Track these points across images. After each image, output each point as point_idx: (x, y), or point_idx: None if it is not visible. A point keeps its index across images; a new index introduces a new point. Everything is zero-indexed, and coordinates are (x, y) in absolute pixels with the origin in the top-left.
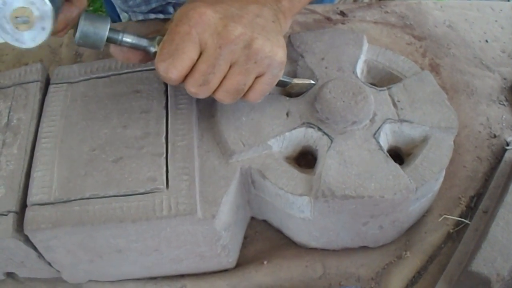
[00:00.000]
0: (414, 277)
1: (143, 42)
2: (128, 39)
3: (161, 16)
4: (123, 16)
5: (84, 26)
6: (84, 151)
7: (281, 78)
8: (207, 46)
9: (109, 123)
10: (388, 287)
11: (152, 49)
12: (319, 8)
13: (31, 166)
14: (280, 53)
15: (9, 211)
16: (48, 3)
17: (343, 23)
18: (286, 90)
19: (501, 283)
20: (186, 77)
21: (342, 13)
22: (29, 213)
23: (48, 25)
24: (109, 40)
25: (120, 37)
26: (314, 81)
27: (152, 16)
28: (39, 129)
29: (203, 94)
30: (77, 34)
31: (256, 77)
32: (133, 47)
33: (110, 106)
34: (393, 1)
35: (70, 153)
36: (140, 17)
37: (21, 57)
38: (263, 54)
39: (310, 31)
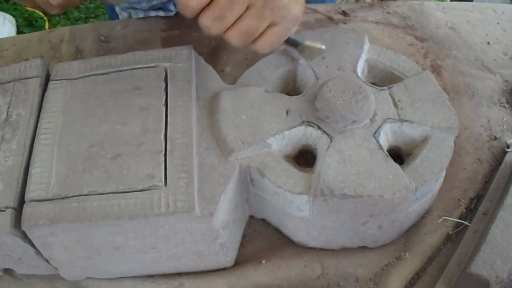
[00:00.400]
0: (413, 278)
1: None
2: None
3: (161, 13)
4: (122, 16)
5: None
6: (83, 147)
7: (293, 37)
8: None
9: (108, 119)
10: None
11: None
12: (321, 7)
13: (29, 162)
14: (296, 7)
15: (7, 207)
16: None
17: (344, 23)
18: (284, 88)
19: (500, 285)
20: (202, 10)
21: (344, 13)
22: (27, 209)
23: None
24: None
25: None
26: (314, 81)
27: (153, 13)
28: (38, 125)
29: (215, 29)
30: None
31: (269, 26)
32: None
33: (109, 103)
34: (395, 2)
35: (69, 149)
36: (141, 15)
37: (21, 52)
38: (280, 4)
39: (311, 30)
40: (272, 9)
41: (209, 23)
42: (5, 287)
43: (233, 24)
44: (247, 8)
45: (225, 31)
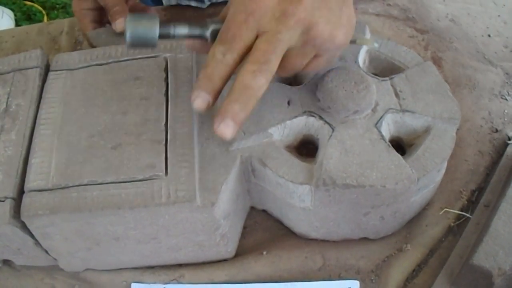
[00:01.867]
0: (414, 270)
1: (196, 31)
2: (180, 31)
3: (193, 3)
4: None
5: (133, 28)
6: (83, 137)
7: None
8: (266, 31)
9: (109, 109)
10: (388, 280)
11: (207, 33)
12: None
13: (29, 152)
14: (339, 36)
15: (6, 197)
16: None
17: None
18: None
19: (503, 277)
20: (244, 59)
21: None
22: (26, 199)
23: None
24: (162, 36)
25: (172, 31)
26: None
27: (185, 2)
28: (38, 115)
29: (263, 73)
30: (127, 38)
31: (314, 56)
32: (187, 37)
33: (109, 93)
34: None
35: (69, 139)
36: (173, 2)
37: (20, 44)
38: (321, 39)
39: None
40: (314, 46)
41: (256, 67)
42: (4, 279)
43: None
44: (288, 49)
45: None
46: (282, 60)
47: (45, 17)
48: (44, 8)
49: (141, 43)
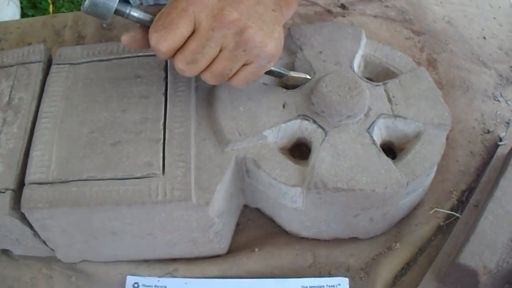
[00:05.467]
0: (403, 268)
1: (148, 17)
2: (135, 13)
3: None
4: (133, 0)
5: None
6: (83, 133)
7: (278, 70)
8: (201, 26)
9: (109, 106)
10: (377, 278)
11: None
12: (320, 0)
13: (30, 145)
14: (270, 45)
15: (7, 189)
16: None
17: (343, 16)
18: (282, 81)
19: (488, 275)
20: (176, 53)
21: (343, 6)
22: (26, 191)
23: None
24: (117, 12)
25: (128, 11)
26: (311, 74)
27: (163, 1)
28: (40, 109)
29: (189, 72)
30: (86, 2)
31: (243, 65)
32: (138, 21)
33: (110, 89)
34: None
35: (70, 134)
36: (151, 2)
37: (25, 36)
38: (252, 44)
39: (310, 24)
40: (245, 50)
41: (182, 67)
42: (2, 268)
43: (207, 67)
44: (220, 50)
45: (200, 73)
46: (211, 62)
47: (51, 6)
48: None
49: (96, 12)
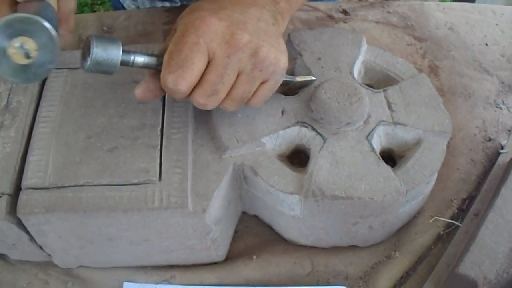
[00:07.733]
0: (402, 277)
1: (154, 61)
2: (139, 59)
3: (167, 4)
4: (127, 4)
5: (97, 54)
6: (81, 138)
7: (286, 79)
8: (215, 56)
9: (107, 112)
10: (376, 287)
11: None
12: (322, 5)
13: (27, 150)
14: (283, 60)
15: (3, 193)
16: (50, 28)
17: (345, 22)
18: (281, 87)
19: (488, 286)
20: (194, 88)
21: (345, 12)
22: (23, 196)
23: (53, 55)
24: (122, 64)
25: (131, 59)
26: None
27: (159, 4)
28: (38, 113)
29: (211, 104)
30: (89, 63)
31: (260, 83)
32: (144, 67)
33: (108, 94)
34: (396, 1)
35: (67, 139)
36: (147, 5)
37: None
38: (268, 62)
39: (310, 30)
40: (262, 69)
41: (204, 101)
42: None
43: (227, 95)
44: (238, 75)
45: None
46: (232, 88)
47: None
48: None
49: (100, 71)
